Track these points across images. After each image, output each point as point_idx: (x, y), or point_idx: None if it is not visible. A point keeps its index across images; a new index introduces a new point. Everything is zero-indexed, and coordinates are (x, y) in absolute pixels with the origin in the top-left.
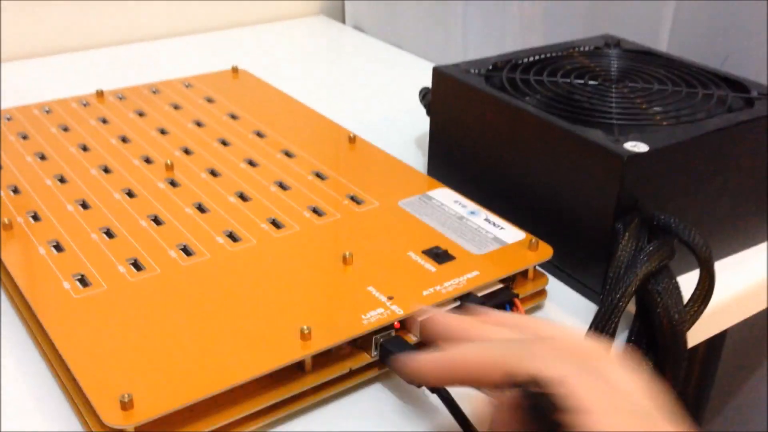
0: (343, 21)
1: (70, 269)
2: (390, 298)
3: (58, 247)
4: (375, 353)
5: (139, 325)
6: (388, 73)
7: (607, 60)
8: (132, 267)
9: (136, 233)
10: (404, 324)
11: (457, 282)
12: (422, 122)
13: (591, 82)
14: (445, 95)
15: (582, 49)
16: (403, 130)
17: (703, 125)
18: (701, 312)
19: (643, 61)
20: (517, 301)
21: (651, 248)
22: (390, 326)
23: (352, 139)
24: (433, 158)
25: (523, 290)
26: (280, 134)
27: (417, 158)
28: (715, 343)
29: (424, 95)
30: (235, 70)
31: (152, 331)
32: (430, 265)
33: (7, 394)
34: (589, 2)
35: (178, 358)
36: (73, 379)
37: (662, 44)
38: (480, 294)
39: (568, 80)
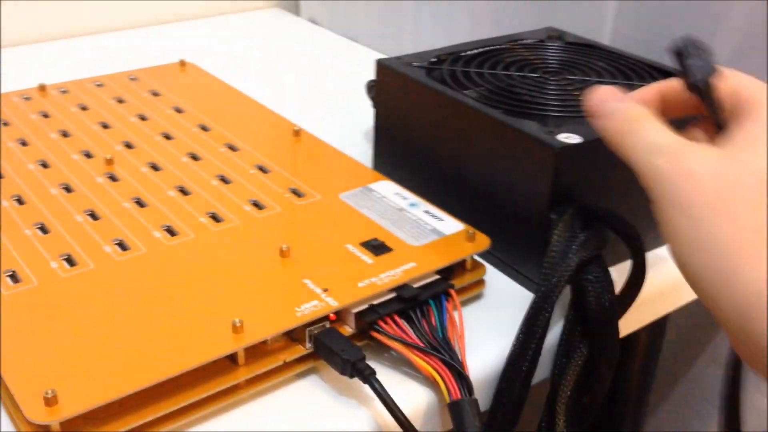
0: (298, 14)
1: (1, 265)
2: (325, 290)
3: None
4: (309, 345)
5: (69, 321)
6: (341, 66)
7: (548, 53)
8: (65, 262)
9: (72, 228)
10: (340, 315)
11: (393, 273)
12: (371, 115)
13: (530, 75)
14: (389, 88)
15: (525, 42)
16: (352, 123)
17: None
18: (633, 300)
19: (584, 54)
20: (452, 292)
21: (583, 238)
22: (325, 318)
23: (297, 133)
24: (379, 151)
25: (462, 280)
26: (224, 128)
27: (365, 151)
28: (657, 331)
29: (371, 88)
30: (182, 63)
31: (82, 326)
32: (367, 257)
33: None
34: None
35: (107, 353)
36: (0, 376)
37: (606, 37)
38: (416, 285)
39: (509, 73)
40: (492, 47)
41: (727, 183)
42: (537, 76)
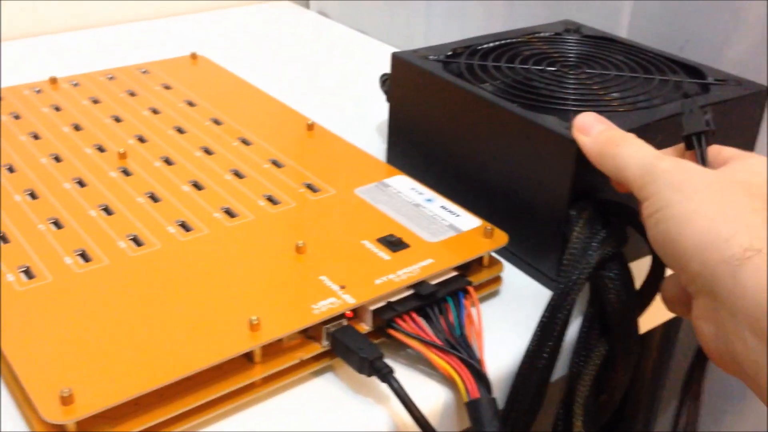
0: (308, 6)
1: (15, 261)
2: (342, 287)
3: (3, 239)
4: (326, 343)
5: (84, 318)
6: (352, 59)
7: (566, 46)
8: (79, 258)
9: (85, 223)
10: (357, 313)
11: (410, 270)
12: (384, 109)
13: (549, 69)
14: (404, 81)
15: (542, 35)
16: (364, 117)
17: (658, 111)
18: (652, 297)
19: (602, 47)
20: (470, 289)
21: (604, 234)
22: (341, 316)
23: (311, 127)
24: (393, 145)
25: (479, 277)
26: (237, 121)
27: (378, 145)
28: (671, 327)
29: (384, 81)
30: (193, 56)
31: (97, 324)
32: (384, 254)
33: None
34: None
35: (123, 351)
36: (15, 374)
37: (622, 30)
38: (434, 282)
39: (526, 66)
40: (509, 40)
41: (720, 180)
42: (555, 70)
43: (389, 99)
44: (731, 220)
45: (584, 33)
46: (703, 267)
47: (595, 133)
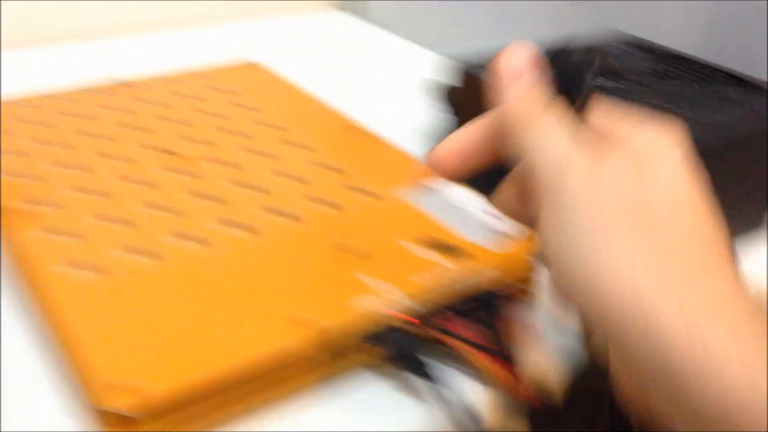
0: (358, 14)
1: (86, 257)
2: (389, 288)
3: (71, 234)
4: (371, 341)
5: (143, 312)
6: (400, 65)
7: (624, 59)
8: (140, 255)
9: (149, 222)
10: (405, 313)
11: (457, 273)
12: (430, 113)
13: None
14: (469, 94)
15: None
16: (412, 122)
17: (697, 119)
18: None
19: (671, 64)
20: (519, 293)
21: None
22: (389, 316)
23: (359, 131)
24: None
25: (515, 277)
26: (291, 126)
27: (425, 150)
28: None
29: (447, 92)
30: (251, 64)
31: (156, 318)
32: (430, 256)
33: (13, 380)
34: None
35: (180, 344)
36: (77, 364)
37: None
38: (482, 285)
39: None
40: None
41: (640, 207)
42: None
43: (452, 110)
44: (656, 286)
45: (641, 45)
46: (617, 335)
47: (515, 91)
